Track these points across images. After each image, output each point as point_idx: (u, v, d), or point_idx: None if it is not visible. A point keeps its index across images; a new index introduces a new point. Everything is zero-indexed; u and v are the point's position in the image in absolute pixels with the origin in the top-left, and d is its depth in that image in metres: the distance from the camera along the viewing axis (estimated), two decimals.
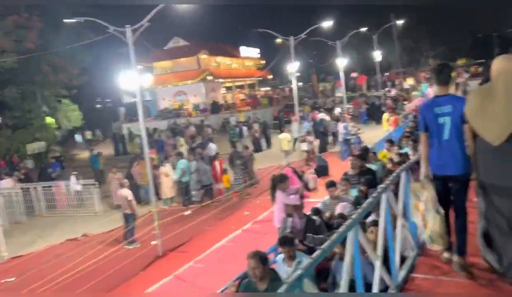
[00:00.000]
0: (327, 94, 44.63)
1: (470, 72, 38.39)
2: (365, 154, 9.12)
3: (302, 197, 5.95)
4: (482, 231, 3.94)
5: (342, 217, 5.93)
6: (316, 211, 6.32)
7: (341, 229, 2.77)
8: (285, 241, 4.87)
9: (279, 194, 5.75)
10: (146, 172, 13.71)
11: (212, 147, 18.04)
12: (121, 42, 11.01)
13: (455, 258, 4.04)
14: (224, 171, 15.85)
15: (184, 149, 19.97)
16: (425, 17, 47.45)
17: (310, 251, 5.17)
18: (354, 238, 2.89)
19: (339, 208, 6.16)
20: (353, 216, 2.88)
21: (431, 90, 24.61)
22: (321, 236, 5.27)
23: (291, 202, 5.59)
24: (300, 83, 52.52)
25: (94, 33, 23.01)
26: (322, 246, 2.52)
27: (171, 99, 41.04)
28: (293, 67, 19.34)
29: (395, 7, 41.79)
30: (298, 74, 24.21)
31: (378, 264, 3.29)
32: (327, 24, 22.05)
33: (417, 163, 5.54)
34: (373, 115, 29.75)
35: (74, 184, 16.04)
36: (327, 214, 6.54)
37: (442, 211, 3.99)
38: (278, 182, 5.81)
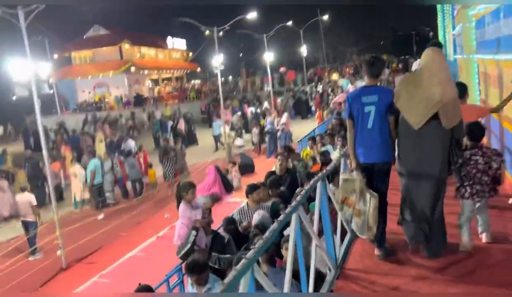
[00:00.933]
0: (256, 88, 44.30)
1: (391, 68, 39.87)
2: (287, 152, 8.58)
3: (210, 211, 5.18)
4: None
5: (258, 227, 5.30)
6: (230, 221, 5.64)
7: (234, 273, 2.09)
8: (193, 269, 3.96)
9: (182, 206, 4.97)
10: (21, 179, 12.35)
11: (131, 144, 16.80)
12: (38, 29, 9.65)
13: (376, 251, 4.24)
14: (149, 166, 15.09)
15: (103, 145, 18.55)
16: (350, 14, 48.74)
17: (216, 271, 4.47)
18: (250, 277, 2.23)
19: (255, 218, 5.52)
20: (248, 255, 2.22)
21: (351, 87, 25.11)
22: (227, 255, 4.55)
23: (193, 217, 4.83)
24: (230, 77, 51.94)
25: None
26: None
27: (92, 91, 38.54)
28: (217, 60, 18.56)
29: (321, 2, 42.35)
30: (223, 67, 23.43)
31: None
32: (251, 15, 21.47)
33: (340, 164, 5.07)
34: (300, 110, 29.83)
35: None
36: (244, 224, 5.88)
37: (376, 194, 4.06)
38: (183, 191, 5.02)
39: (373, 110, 4.05)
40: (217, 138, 20.94)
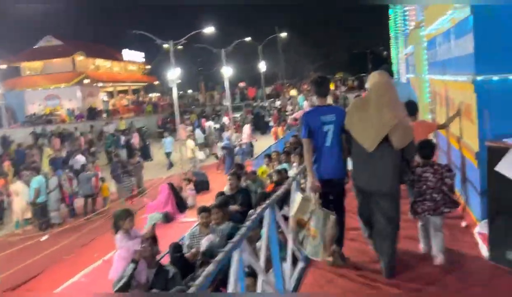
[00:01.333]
0: (215, 102, 43.98)
1: (347, 85, 40.80)
2: (239, 171, 8.26)
3: (154, 240, 4.72)
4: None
5: (206, 255, 4.94)
6: (176, 249, 5.25)
7: None
8: None
9: (119, 236, 4.53)
10: None
11: (80, 160, 15.98)
12: None
13: (334, 247, 4.21)
14: (101, 180, 14.50)
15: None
16: (307, 31, 49.76)
17: None
18: None
19: (203, 244, 5.15)
20: None
21: (306, 103, 25.33)
22: (168, 292, 4.13)
23: (131, 248, 4.41)
24: (190, 90, 51.40)
25: None
26: None
27: (42, 103, 36.90)
28: (173, 74, 18.14)
29: (279, 20, 43.01)
30: (179, 81, 22.98)
31: None
32: (209, 30, 21.24)
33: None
34: (258, 125, 29.74)
35: None
36: (193, 250, 5.49)
37: (333, 212, 4.05)
38: (119, 220, 4.59)
39: (331, 129, 4.14)
40: (169, 156, 19.89)
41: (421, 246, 4.46)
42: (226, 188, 7.28)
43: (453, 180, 4.24)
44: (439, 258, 4.17)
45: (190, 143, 18.53)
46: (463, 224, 5.02)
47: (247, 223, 3.13)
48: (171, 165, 19.81)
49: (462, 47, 4.69)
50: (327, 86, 4.38)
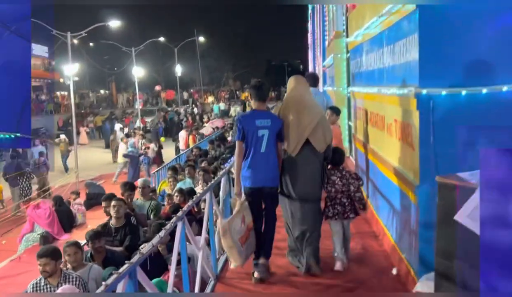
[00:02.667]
0: (126, 105, 41.27)
1: None
2: (128, 192, 6.63)
3: None
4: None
5: None
6: None
7: None
8: None
9: None
10: None
11: None
12: None
13: (261, 260, 4.18)
14: None
15: None
16: (227, 40, 49.44)
17: None
18: None
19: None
20: None
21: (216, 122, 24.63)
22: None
23: None
24: (102, 91, 48.02)
25: None
26: None
27: None
28: (70, 69, 16.00)
29: (198, 24, 41.93)
30: (77, 78, 20.73)
31: None
32: (114, 24, 19.29)
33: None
34: (171, 131, 28.10)
35: None
36: None
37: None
38: None
39: (266, 134, 4.07)
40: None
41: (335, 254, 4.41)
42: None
43: (358, 188, 4.30)
44: (339, 263, 4.25)
45: (123, 147, 16.81)
46: (394, 271, 4.10)
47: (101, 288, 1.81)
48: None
49: (401, 53, 3.77)
50: (266, 91, 4.30)
